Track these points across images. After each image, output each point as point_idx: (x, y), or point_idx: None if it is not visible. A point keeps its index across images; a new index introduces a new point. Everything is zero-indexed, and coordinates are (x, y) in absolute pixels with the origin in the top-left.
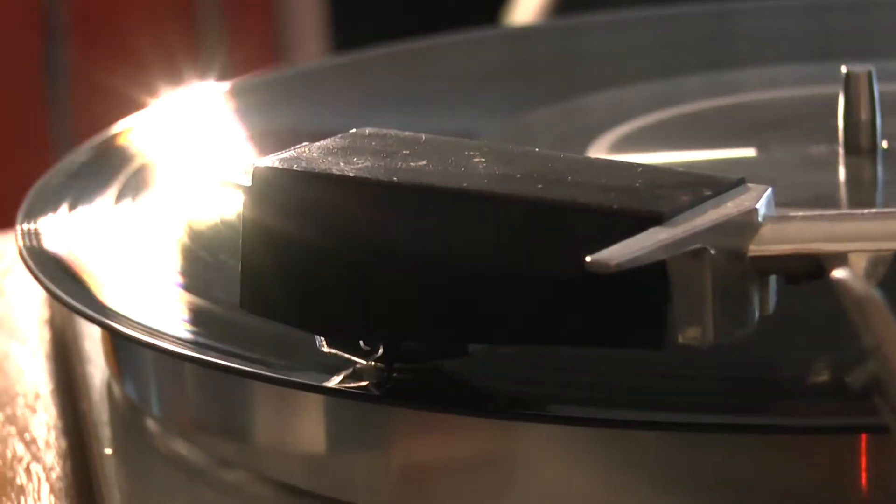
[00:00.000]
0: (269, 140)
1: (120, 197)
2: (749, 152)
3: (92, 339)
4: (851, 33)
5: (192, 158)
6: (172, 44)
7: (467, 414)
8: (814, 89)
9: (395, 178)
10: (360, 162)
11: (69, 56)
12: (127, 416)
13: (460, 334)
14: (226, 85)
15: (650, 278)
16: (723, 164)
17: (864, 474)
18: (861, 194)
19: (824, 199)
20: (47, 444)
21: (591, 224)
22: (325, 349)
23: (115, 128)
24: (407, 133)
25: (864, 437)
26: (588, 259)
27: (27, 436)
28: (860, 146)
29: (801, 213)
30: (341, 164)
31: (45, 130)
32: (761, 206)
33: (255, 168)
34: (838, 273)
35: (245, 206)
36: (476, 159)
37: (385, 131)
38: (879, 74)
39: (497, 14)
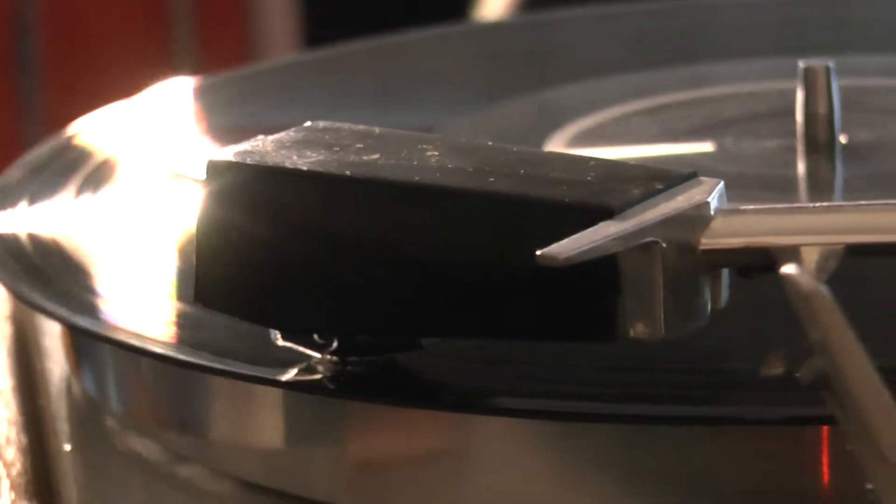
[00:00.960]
0: (234, 136)
1: (79, 192)
2: (707, 147)
3: (52, 335)
4: (824, 27)
5: (154, 154)
6: (144, 43)
7: (421, 407)
8: (777, 84)
9: (347, 172)
10: (313, 155)
11: (39, 56)
12: (85, 412)
13: (413, 328)
14: (193, 82)
15: (601, 272)
16: (680, 158)
17: (816, 466)
18: (818, 189)
19: (781, 194)
20: (7, 441)
21: (542, 218)
22: (280, 343)
23: (77, 125)
24: (361, 126)
25: (815, 429)
26: (538, 253)
27: None
28: (818, 141)
29: (752, 207)
30: (294, 157)
31: (15, 131)
32: (713, 199)
33: (209, 162)
34: (786, 268)
35: (199, 200)
36: (429, 153)
37: (339, 125)
38: (841, 69)
39: (466, 10)
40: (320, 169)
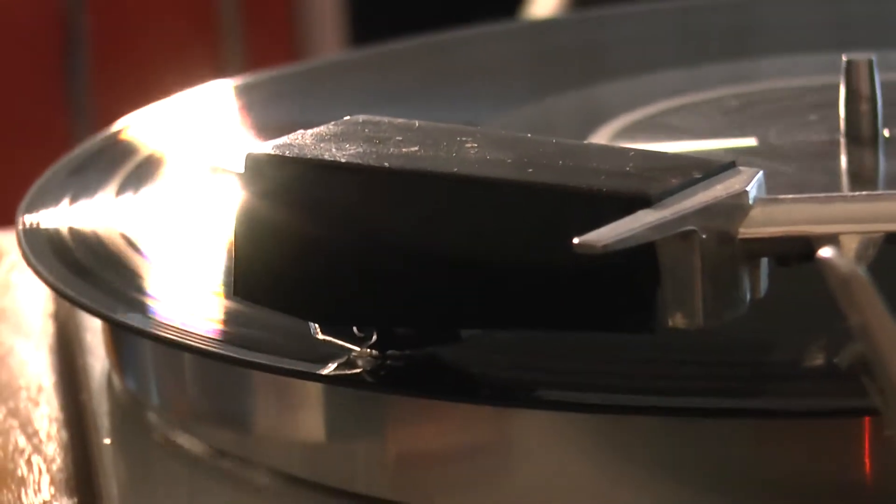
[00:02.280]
0: (278, 134)
1: (122, 190)
2: (751, 142)
3: (93, 331)
4: (868, 22)
5: (197, 152)
6: (192, 44)
7: (460, 401)
8: (822, 78)
9: (385, 164)
10: (352, 148)
11: (89, 58)
12: (126, 407)
13: (452, 320)
14: (238, 81)
15: (640, 261)
16: (723, 153)
17: (857, 457)
18: (861, 183)
19: (823, 188)
20: (48, 436)
21: (580, 207)
22: (320, 336)
23: (121, 123)
24: (400, 120)
25: (859, 420)
26: (576, 241)
27: (29, 428)
28: (861, 135)
29: (790, 196)
30: (333, 150)
31: (65, 133)
32: (751, 188)
33: (248, 154)
34: (823, 252)
35: (238, 193)
36: (468, 145)
37: (379, 118)
38: (883, 63)
39: (516, 7)
40: (359, 161)
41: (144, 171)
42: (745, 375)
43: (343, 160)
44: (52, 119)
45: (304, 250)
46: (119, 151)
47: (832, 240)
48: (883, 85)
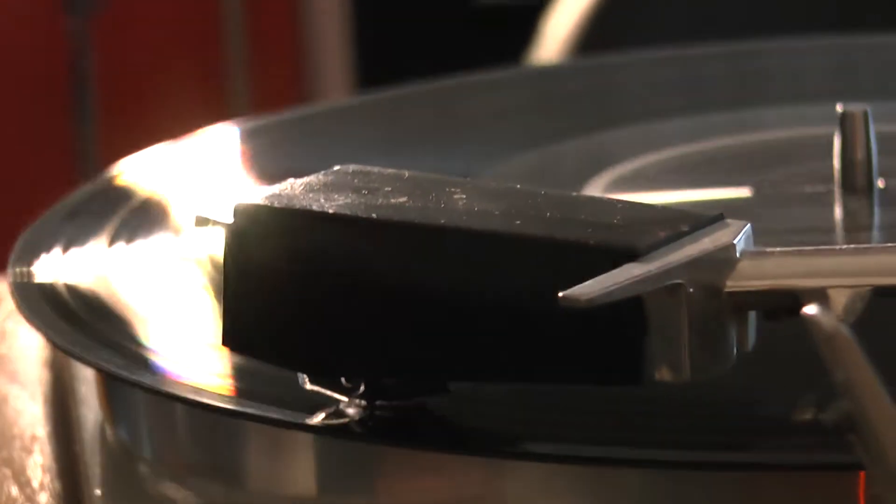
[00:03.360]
0: (279, 179)
1: (116, 237)
2: (744, 192)
3: (87, 381)
4: (883, 71)
5: (196, 196)
6: (199, 89)
7: (448, 452)
8: (819, 129)
9: (374, 215)
10: (340, 198)
11: (95, 102)
12: (119, 458)
13: (439, 372)
14: (243, 125)
15: (628, 314)
16: (717, 203)
17: None
18: (854, 234)
19: (816, 239)
20: (41, 486)
21: (567, 260)
22: (308, 386)
23: (120, 166)
24: (390, 170)
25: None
26: (560, 295)
27: (22, 478)
28: (856, 185)
29: (778, 249)
30: (322, 200)
31: (70, 176)
32: (739, 241)
33: (237, 205)
34: (809, 309)
35: (226, 243)
36: (457, 196)
37: (369, 168)
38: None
39: (521, 54)
40: (347, 212)
41: (141, 216)
42: (737, 428)
43: (331, 211)
44: (57, 162)
45: (291, 300)
46: (115, 196)
47: (820, 294)
48: (879, 136)
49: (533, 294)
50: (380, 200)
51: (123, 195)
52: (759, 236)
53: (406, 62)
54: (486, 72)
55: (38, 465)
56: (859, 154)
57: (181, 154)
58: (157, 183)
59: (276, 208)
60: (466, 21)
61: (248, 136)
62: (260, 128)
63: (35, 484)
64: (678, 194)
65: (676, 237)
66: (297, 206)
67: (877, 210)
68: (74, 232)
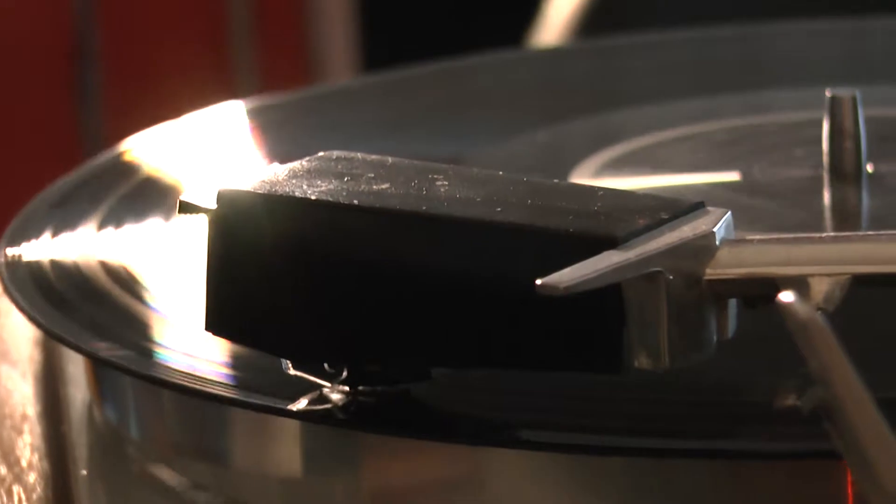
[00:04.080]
0: (278, 161)
1: (109, 218)
2: (734, 177)
3: (76, 361)
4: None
5: (194, 176)
6: (204, 68)
7: (429, 438)
8: (812, 113)
9: (355, 201)
10: (323, 185)
11: (100, 81)
12: (106, 439)
13: (420, 357)
14: (247, 104)
15: (607, 302)
16: (706, 188)
17: (833, 500)
18: (843, 220)
19: (803, 225)
20: (30, 465)
21: (546, 247)
22: (291, 372)
23: (122, 145)
24: (374, 156)
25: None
26: (538, 282)
27: (11, 457)
28: (845, 171)
29: (758, 237)
30: (304, 186)
31: (76, 154)
32: (719, 229)
33: (220, 191)
34: (783, 297)
35: (209, 229)
36: (439, 183)
37: (353, 154)
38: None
39: (523, 36)
40: (329, 198)
41: (138, 197)
42: (722, 415)
43: (313, 197)
44: (62, 141)
45: (274, 286)
46: (111, 177)
47: (799, 282)
48: (868, 120)
49: (513, 281)
50: (362, 187)
51: (121, 175)
52: (743, 224)
53: (410, 44)
54: (490, 53)
55: (28, 444)
56: (848, 139)
57: (183, 133)
58: (157, 163)
59: (258, 194)
60: (471, 3)
61: (252, 116)
62: (263, 108)
63: (24, 463)
64: (667, 178)
65: (656, 225)
66: (280, 192)
67: (864, 196)
68: (67, 214)
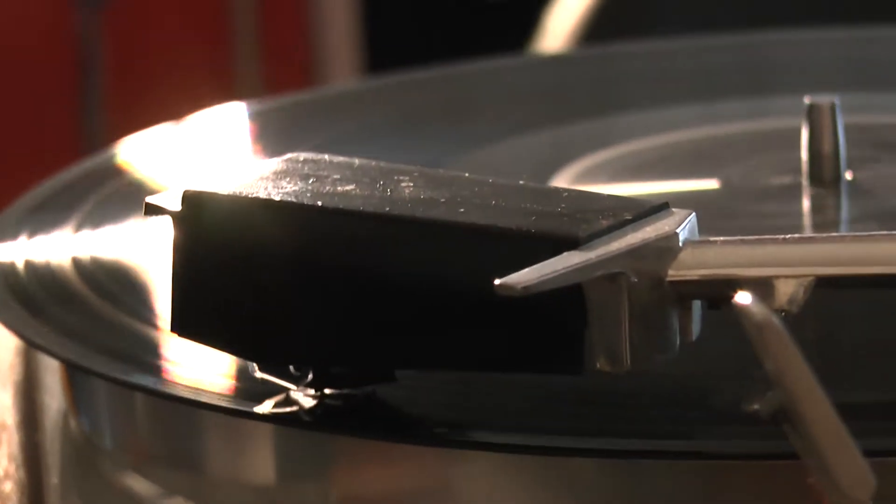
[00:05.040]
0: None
1: (87, 222)
2: (712, 184)
3: (52, 369)
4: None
5: (185, 179)
6: (207, 69)
7: (396, 441)
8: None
9: (318, 203)
10: (288, 186)
11: (103, 80)
12: (80, 448)
13: (384, 359)
14: (247, 106)
15: (568, 303)
16: (684, 195)
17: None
18: (820, 226)
19: (779, 231)
20: (6, 474)
21: (508, 248)
22: (258, 374)
23: (116, 147)
24: (340, 158)
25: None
26: (496, 282)
27: None
28: (823, 177)
29: (721, 238)
30: (269, 187)
31: (78, 155)
32: (682, 230)
33: (185, 192)
34: (740, 298)
35: (174, 230)
36: (404, 184)
37: (320, 156)
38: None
39: (525, 42)
40: (293, 199)
41: (121, 199)
42: (695, 418)
43: (277, 198)
44: (64, 141)
45: (238, 287)
46: (94, 180)
47: (763, 283)
48: (847, 128)
49: (475, 282)
50: (327, 188)
51: (106, 177)
52: (721, 230)
53: (413, 48)
54: (492, 59)
55: (5, 454)
56: (826, 146)
57: (180, 135)
58: (151, 163)
59: (222, 195)
60: (474, 7)
61: (253, 118)
62: (264, 111)
63: (0, 472)
64: (643, 185)
65: (619, 226)
66: (244, 194)
67: (844, 202)
68: (45, 217)
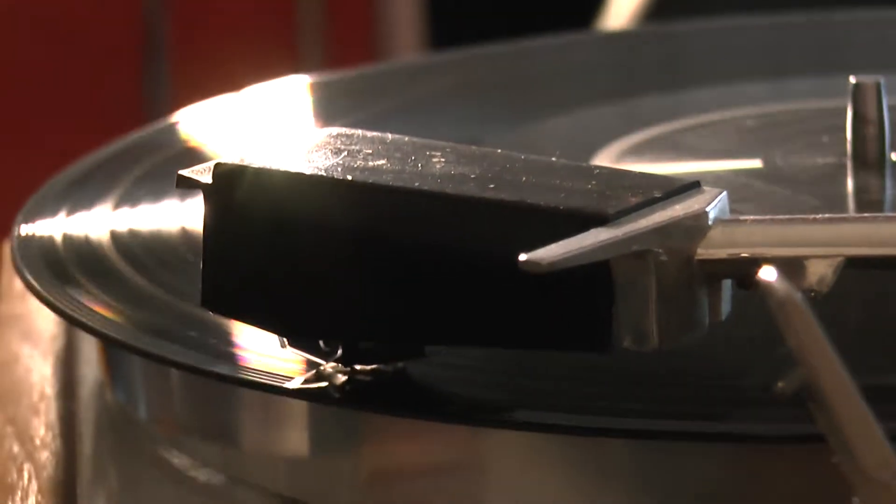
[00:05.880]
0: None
1: (131, 195)
2: (756, 164)
3: (90, 340)
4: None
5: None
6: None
7: (425, 418)
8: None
9: (349, 177)
10: (319, 160)
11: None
12: (116, 419)
13: (412, 335)
14: (309, 79)
15: (596, 280)
16: (728, 175)
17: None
18: (864, 207)
19: (821, 212)
20: (43, 444)
21: (537, 225)
22: (287, 349)
23: (173, 116)
24: (373, 133)
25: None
26: (521, 258)
27: (25, 436)
28: (868, 158)
29: (752, 217)
30: (300, 161)
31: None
32: (712, 208)
33: (216, 165)
34: (764, 274)
35: (205, 204)
36: (435, 160)
37: (353, 131)
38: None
39: (592, 18)
40: (323, 173)
41: (167, 171)
42: (723, 398)
43: (308, 172)
44: (129, 117)
45: (269, 262)
46: (150, 150)
47: (793, 263)
48: (892, 108)
49: (504, 258)
50: (358, 163)
51: (156, 148)
52: (762, 211)
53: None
54: (555, 35)
55: (43, 423)
56: (871, 127)
57: (239, 106)
58: (208, 135)
59: (253, 168)
60: None
61: (315, 91)
62: (326, 83)
63: (37, 442)
64: (687, 165)
65: (648, 203)
66: (274, 167)
67: (888, 183)
68: (84, 193)
